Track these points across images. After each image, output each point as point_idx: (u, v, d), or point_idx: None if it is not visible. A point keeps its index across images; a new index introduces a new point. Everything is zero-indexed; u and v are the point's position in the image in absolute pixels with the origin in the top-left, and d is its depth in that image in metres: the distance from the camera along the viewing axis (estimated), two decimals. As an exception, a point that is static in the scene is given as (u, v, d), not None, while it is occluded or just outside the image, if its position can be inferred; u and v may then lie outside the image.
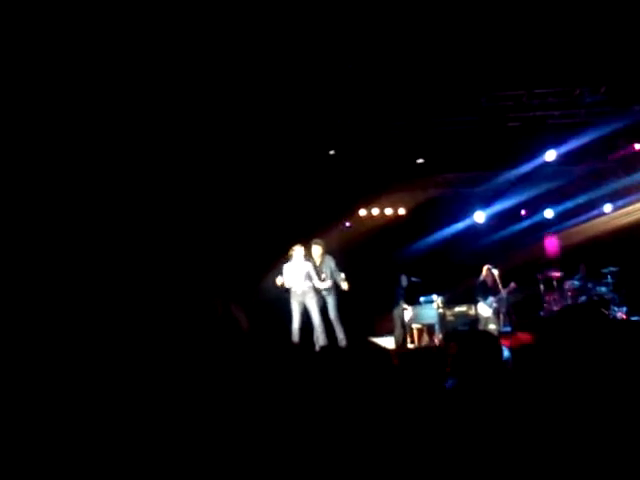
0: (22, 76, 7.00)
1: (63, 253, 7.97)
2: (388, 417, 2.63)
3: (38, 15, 6.43)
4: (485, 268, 10.37)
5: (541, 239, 12.77)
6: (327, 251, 8.83)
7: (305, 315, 8.45)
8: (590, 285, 11.29)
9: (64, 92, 7.41)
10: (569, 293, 11.33)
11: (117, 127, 8.17)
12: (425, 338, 10.45)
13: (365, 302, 10.55)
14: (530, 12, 7.42)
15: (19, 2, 6.32)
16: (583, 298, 11.15)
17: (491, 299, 10.16)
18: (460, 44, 7.96)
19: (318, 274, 8.57)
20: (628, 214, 11.94)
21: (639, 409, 2.02)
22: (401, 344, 10.29)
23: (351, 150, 10.59)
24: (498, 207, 12.01)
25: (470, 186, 12.04)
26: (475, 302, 10.38)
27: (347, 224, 12.06)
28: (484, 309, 10.19)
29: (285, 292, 8.51)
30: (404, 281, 10.81)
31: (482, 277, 10.37)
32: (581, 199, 11.97)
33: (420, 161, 10.65)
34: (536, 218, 12.42)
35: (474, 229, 12.23)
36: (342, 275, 8.68)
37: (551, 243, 12.77)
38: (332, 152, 10.59)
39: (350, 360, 3.13)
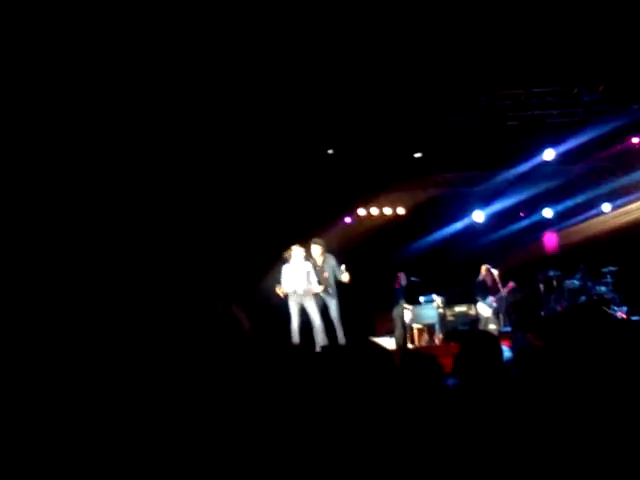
0: (22, 76, 6.99)
1: (63, 254, 7.95)
2: (389, 417, 2.62)
3: (38, 15, 6.42)
4: (484, 268, 10.37)
5: (540, 237, 12.74)
6: (327, 250, 8.81)
7: (304, 315, 8.43)
8: (590, 285, 11.28)
9: (64, 92, 7.40)
10: (569, 293, 11.33)
11: (117, 127, 8.16)
12: (425, 338, 10.44)
13: (365, 302, 10.55)
14: (528, 11, 7.42)
15: (19, 2, 6.31)
16: (583, 298, 11.15)
17: (490, 299, 10.15)
18: (459, 43, 7.95)
19: (317, 275, 8.56)
20: (627, 213, 11.95)
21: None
22: (402, 344, 10.27)
23: (350, 149, 10.58)
24: (497, 206, 12.01)
25: (469, 185, 12.04)
26: (474, 302, 10.38)
27: (348, 219, 12.03)
28: (484, 309, 10.18)
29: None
30: (403, 281, 10.80)
31: (481, 277, 10.37)
32: (580, 198, 11.97)
33: (418, 155, 10.60)
34: (535, 217, 12.42)
35: (473, 228, 12.23)
36: (342, 267, 8.61)
37: (550, 240, 12.74)
38: (331, 151, 10.59)
39: (351, 360, 3.12)
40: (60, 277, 7.77)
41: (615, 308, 10.69)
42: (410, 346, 10.31)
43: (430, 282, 10.86)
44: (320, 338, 8.27)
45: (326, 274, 8.61)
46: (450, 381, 3.29)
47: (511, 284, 10.26)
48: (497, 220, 12.21)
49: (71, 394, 3.23)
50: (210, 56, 7.56)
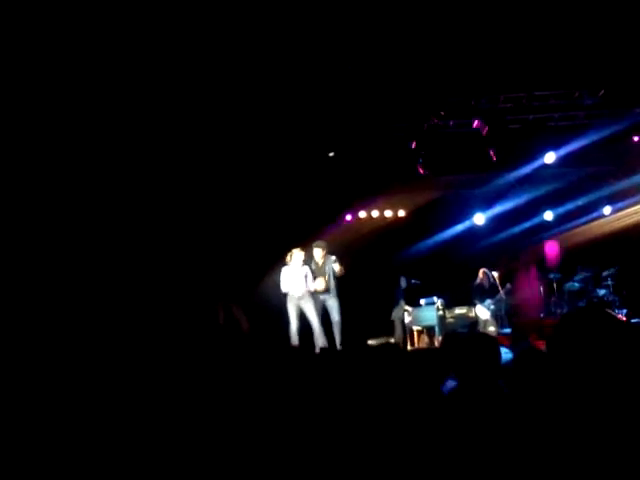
0: (22, 76, 7.00)
1: (63, 257, 7.96)
2: (386, 420, 2.63)
3: (38, 15, 6.43)
4: (481, 271, 10.41)
5: (541, 245, 12.70)
6: (329, 252, 8.80)
7: (302, 318, 8.43)
8: (590, 287, 11.29)
9: (64, 92, 7.41)
10: (569, 295, 11.33)
11: (117, 129, 8.16)
12: (425, 340, 10.44)
13: (365, 304, 10.54)
14: (530, 15, 7.43)
15: (19, 2, 6.32)
16: (583, 301, 11.15)
17: (488, 301, 10.18)
18: (461, 46, 7.96)
19: (315, 277, 8.56)
20: (627, 216, 11.95)
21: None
22: (401, 346, 10.28)
23: (351, 152, 10.59)
24: (498, 209, 12.01)
25: (470, 188, 12.04)
26: (473, 305, 10.40)
27: (348, 217, 12.02)
28: (482, 311, 10.20)
29: (283, 296, 8.49)
30: (403, 283, 10.81)
31: (478, 280, 10.40)
32: (581, 201, 11.97)
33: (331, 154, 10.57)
34: (536, 220, 12.41)
35: (474, 231, 12.23)
36: (333, 257, 8.57)
37: (551, 248, 12.71)
38: (331, 154, 10.59)
39: (348, 362, 3.13)
40: (60, 281, 7.78)
41: (615, 311, 10.69)
42: (409, 348, 10.32)
43: (431, 284, 10.87)
44: (320, 341, 8.27)
45: (327, 277, 8.61)
46: (449, 384, 3.30)
47: (508, 286, 10.29)
48: (498, 223, 12.21)
49: (74, 396, 3.24)
50: (211, 57, 7.57)
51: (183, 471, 2.49)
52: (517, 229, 12.36)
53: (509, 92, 9.77)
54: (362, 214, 12.11)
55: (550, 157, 10.81)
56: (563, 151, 10.73)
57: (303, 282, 8.38)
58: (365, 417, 2.64)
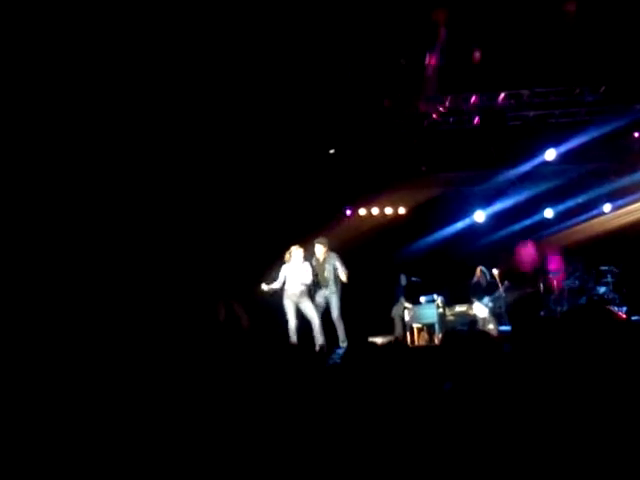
0: (22, 76, 6.99)
1: (64, 256, 7.96)
2: (387, 417, 2.62)
3: (38, 15, 6.42)
4: (478, 269, 10.41)
5: (517, 248, 12.51)
6: (330, 249, 8.79)
7: (301, 316, 8.42)
8: (590, 285, 11.28)
9: (64, 92, 7.40)
10: (569, 293, 11.32)
11: (116, 126, 8.15)
12: (425, 337, 10.44)
13: (365, 301, 10.54)
14: (531, 12, 7.42)
15: (19, 2, 6.31)
16: (583, 298, 11.15)
17: (486, 299, 10.18)
18: (461, 43, 7.96)
19: (319, 274, 8.56)
20: (628, 214, 11.93)
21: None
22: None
23: (351, 149, 10.58)
24: (498, 206, 11.99)
25: (470, 185, 12.03)
26: (470, 303, 10.40)
27: (348, 212, 12.00)
28: (480, 309, 10.19)
29: (279, 291, 8.48)
30: (403, 280, 10.80)
31: (475, 278, 10.41)
32: (581, 199, 11.96)
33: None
34: (536, 218, 12.39)
35: (474, 228, 12.22)
36: (343, 269, 8.58)
37: (527, 252, 12.54)
38: (332, 151, 10.58)
39: (352, 359, 3.12)
40: (60, 280, 7.77)
41: (615, 308, 10.68)
42: (409, 345, 10.32)
43: (431, 282, 10.86)
44: (320, 339, 8.26)
45: (327, 273, 8.60)
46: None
47: (507, 283, 10.30)
48: (498, 220, 12.19)
49: (73, 395, 3.24)
50: (210, 55, 7.56)
51: (183, 468, 2.49)
52: (517, 226, 12.35)
53: (510, 89, 9.76)
54: (362, 211, 12.10)
55: (551, 154, 10.80)
56: (564, 148, 10.73)
57: (303, 279, 8.37)
58: (367, 414, 2.64)
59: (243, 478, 2.45)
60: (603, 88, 9.73)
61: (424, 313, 10.39)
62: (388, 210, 12.26)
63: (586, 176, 11.68)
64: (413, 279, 10.82)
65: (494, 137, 10.37)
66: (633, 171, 11.35)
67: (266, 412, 2.68)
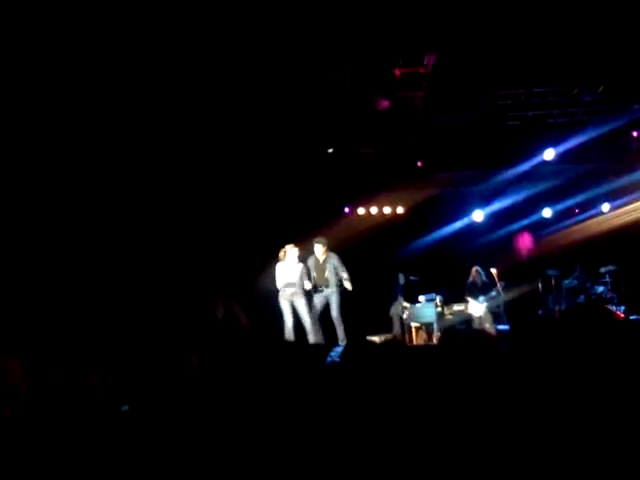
0: (22, 76, 6.99)
1: (62, 255, 7.95)
2: (387, 417, 2.63)
3: (38, 15, 6.41)
4: (473, 269, 10.45)
5: (515, 238, 12.64)
6: (330, 249, 8.80)
7: (297, 314, 8.43)
8: (588, 284, 11.29)
9: (64, 92, 7.40)
10: (567, 292, 11.33)
11: (115, 126, 8.15)
12: (423, 336, 10.45)
13: (363, 300, 10.55)
14: (529, 11, 7.42)
15: (19, 2, 6.30)
16: (581, 297, 11.16)
17: (482, 298, 10.21)
18: (460, 43, 7.95)
19: (318, 274, 8.57)
20: (626, 213, 11.95)
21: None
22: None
23: (350, 148, 10.59)
24: (497, 206, 12.01)
25: (469, 185, 12.04)
26: (466, 302, 10.42)
27: (346, 210, 12.00)
28: (476, 308, 10.21)
29: (276, 292, 8.49)
30: (402, 280, 10.81)
31: (471, 278, 10.45)
32: (579, 198, 11.98)
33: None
34: (534, 217, 12.41)
35: (473, 228, 12.23)
36: (345, 275, 8.61)
37: (524, 241, 12.65)
38: (330, 150, 10.58)
39: (351, 358, 3.13)
40: (59, 278, 7.77)
41: (613, 308, 10.70)
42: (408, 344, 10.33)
43: (429, 281, 10.88)
44: (311, 337, 8.25)
45: (327, 273, 8.61)
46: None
47: (503, 283, 10.35)
48: (497, 220, 12.21)
49: (72, 391, 3.24)
50: (210, 53, 7.56)
51: (182, 467, 2.49)
52: (516, 226, 12.38)
53: (508, 89, 9.76)
54: (361, 211, 12.11)
55: (549, 154, 10.82)
56: (562, 148, 10.74)
57: (297, 279, 8.37)
58: (365, 413, 2.64)
59: (243, 478, 2.45)
60: (602, 88, 9.74)
61: (422, 312, 10.40)
62: (387, 209, 12.27)
63: (584, 176, 11.70)
64: (411, 278, 10.84)
65: (493, 137, 10.38)
66: (632, 171, 11.36)
67: (265, 411, 2.69)
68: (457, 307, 10.68)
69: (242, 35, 7.30)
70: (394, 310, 10.63)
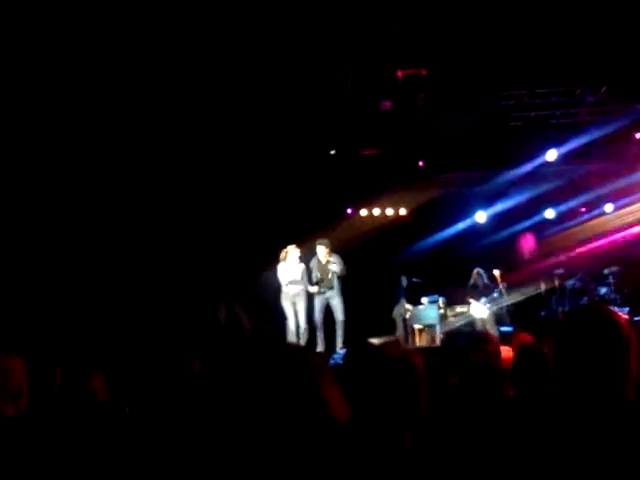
0: (21, 76, 7.00)
1: (63, 256, 7.96)
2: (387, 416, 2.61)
3: (38, 15, 6.42)
4: (474, 272, 10.42)
5: (517, 239, 12.63)
6: (332, 250, 8.76)
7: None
8: (591, 286, 11.25)
9: (64, 92, 7.40)
10: (570, 293, 11.29)
11: (116, 127, 8.16)
12: (426, 338, 10.43)
13: (366, 302, 10.54)
14: (532, 12, 7.42)
15: (19, 2, 6.31)
16: (584, 299, 11.12)
17: (483, 300, 10.19)
18: (462, 44, 7.95)
19: (321, 275, 8.55)
20: (630, 214, 11.92)
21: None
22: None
23: (352, 149, 10.58)
24: (500, 207, 11.99)
25: (471, 186, 12.02)
26: (468, 305, 10.41)
27: (349, 211, 11.98)
28: (478, 310, 10.19)
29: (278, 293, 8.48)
30: (404, 281, 10.80)
31: (472, 280, 10.42)
32: (582, 199, 11.95)
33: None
34: (537, 218, 12.38)
35: (475, 229, 12.21)
36: (339, 270, 8.54)
37: (527, 241, 12.63)
38: (333, 152, 10.58)
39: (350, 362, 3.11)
40: (60, 280, 7.77)
41: (617, 309, 10.65)
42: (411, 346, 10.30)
43: (432, 283, 10.85)
44: (304, 340, 8.24)
45: (330, 275, 8.58)
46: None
47: (505, 284, 10.33)
48: (500, 221, 12.19)
49: (73, 390, 3.23)
50: (210, 53, 7.56)
51: (184, 470, 2.48)
52: (519, 227, 12.34)
53: (511, 89, 9.75)
54: (363, 212, 12.09)
55: (552, 154, 10.80)
56: (565, 148, 10.72)
57: (299, 279, 8.35)
58: (366, 414, 2.63)
59: (244, 477, 2.44)
60: (604, 88, 9.72)
61: (425, 314, 10.38)
62: (389, 211, 12.24)
63: (587, 176, 11.68)
64: (414, 280, 10.82)
65: (495, 138, 10.38)
66: (635, 171, 11.33)
67: (265, 411, 2.68)
68: (460, 309, 10.66)
69: (245, 37, 7.31)
70: (397, 312, 10.62)
